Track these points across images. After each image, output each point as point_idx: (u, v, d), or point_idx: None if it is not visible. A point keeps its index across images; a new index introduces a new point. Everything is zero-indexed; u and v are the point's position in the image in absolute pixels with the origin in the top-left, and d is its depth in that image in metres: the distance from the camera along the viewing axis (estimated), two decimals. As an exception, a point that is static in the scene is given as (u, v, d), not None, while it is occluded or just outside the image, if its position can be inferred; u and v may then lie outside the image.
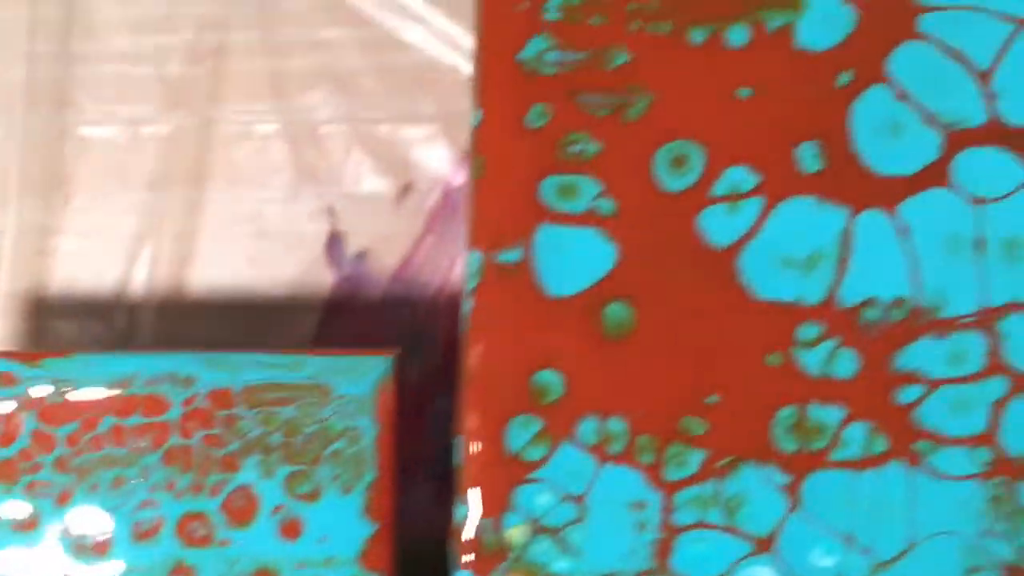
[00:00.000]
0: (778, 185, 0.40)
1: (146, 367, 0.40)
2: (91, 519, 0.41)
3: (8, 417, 0.41)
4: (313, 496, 0.40)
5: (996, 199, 0.39)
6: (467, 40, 0.61)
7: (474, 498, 0.39)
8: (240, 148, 0.63)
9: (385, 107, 0.64)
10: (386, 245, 0.61)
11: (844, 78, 0.40)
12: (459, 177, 0.61)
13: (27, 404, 0.41)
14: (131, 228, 0.63)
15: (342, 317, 0.63)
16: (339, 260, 0.63)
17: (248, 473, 0.40)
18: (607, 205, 0.40)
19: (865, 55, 0.40)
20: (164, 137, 0.64)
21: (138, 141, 0.64)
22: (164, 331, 0.63)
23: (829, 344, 0.39)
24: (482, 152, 0.40)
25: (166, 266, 0.63)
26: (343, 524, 0.39)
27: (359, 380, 0.39)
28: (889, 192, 0.40)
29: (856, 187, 0.40)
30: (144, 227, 0.63)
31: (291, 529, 0.40)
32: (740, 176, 0.40)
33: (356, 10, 0.65)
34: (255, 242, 0.64)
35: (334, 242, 0.64)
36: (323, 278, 0.63)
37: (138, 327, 0.63)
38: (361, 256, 0.63)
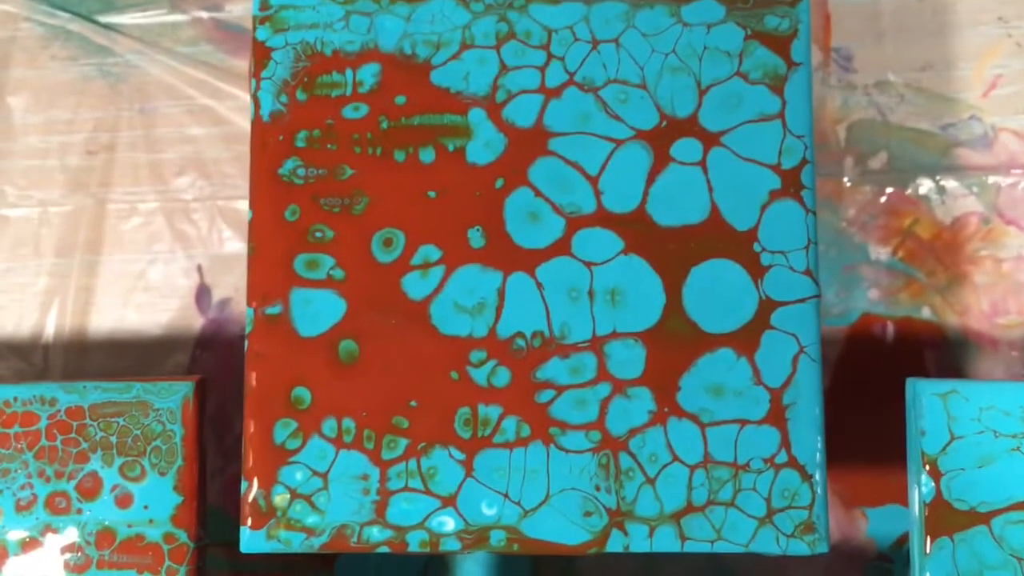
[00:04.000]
0: (455, 257, 0.52)
1: (22, 393, 0.52)
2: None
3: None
4: (140, 478, 0.52)
5: (601, 263, 0.52)
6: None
7: (252, 476, 0.52)
8: (128, 222, 0.76)
9: (241, 187, 0.74)
10: (243, 295, 0.66)
11: (500, 183, 0.53)
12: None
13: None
14: (43, 286, 0.74)
15: (209, 350, 0.74)
16: (206, 307, 0.75)
17: (95, 463, 0.52)
18: (339, 273, 0.52)
19: (513, 167, 0.53)
20: (67, 214, 0.75)
21: (47, 218, 0.75)
22: (71, 364, 0.73)
23: (491, 364, 0.52)
24: (253, 239, 0.53)
25: (71, 315, 0.74)
26: (160, 497, 0.52)
27: (170, 398, 0.52)
28: (530, 260, 0.52)
29: (508, 257, 0.52)
30: (53, 285, 0.74)
31: (125, 501, 0.52)
32: (429, 251, 0.53)
33: (216, 112, 0.77)
34: (141, 294, 0.77)
35: (202, 293, 0.75)
36: (194, 321, 0.75)
37: (51, 362, 0.73)
38: (223, 303, 0.74)
